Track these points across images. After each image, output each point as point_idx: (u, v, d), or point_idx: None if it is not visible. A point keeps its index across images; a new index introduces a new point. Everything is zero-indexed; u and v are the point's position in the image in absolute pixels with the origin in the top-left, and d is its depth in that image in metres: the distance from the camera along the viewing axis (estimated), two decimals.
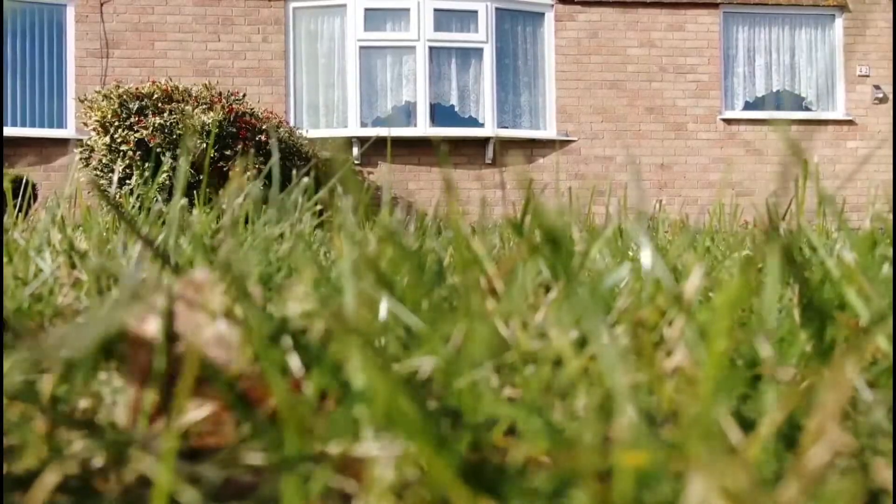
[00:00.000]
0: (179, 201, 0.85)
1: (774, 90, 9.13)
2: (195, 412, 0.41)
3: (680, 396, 0.38)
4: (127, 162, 6.20)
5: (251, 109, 6.77)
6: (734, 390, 0.41)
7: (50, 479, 0.38)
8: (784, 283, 0.71)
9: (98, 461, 0.39)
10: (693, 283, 0.49)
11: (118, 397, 0.44)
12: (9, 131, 8.02)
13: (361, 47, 8.50)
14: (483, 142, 8.56)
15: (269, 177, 1.48)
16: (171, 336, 0.46)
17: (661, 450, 0.34)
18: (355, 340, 0.38)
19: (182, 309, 0.48)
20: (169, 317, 0.47)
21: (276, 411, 0.37)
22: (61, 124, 8.26)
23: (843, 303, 0.59)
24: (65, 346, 0.36)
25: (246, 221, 1.07)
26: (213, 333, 0.46)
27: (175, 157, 6.02)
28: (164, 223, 1.17)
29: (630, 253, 1.08)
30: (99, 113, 6.34)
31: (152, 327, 0.47)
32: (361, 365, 0.37)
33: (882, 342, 0.51)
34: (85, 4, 8.27)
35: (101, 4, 8.27)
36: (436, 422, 0.38)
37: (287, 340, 0.44)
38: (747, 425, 0.42)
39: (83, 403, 0.47)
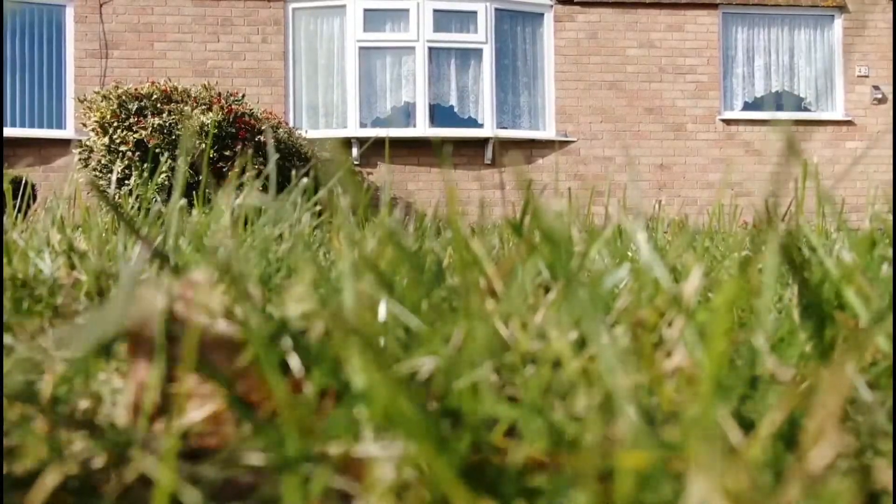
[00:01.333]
0: (178, 201, 0.85)
1: (774, 91, 9.13)
2: (195, 412, 0.41)
3: (680, 397, 0.38)
4: (126, 162, 6.20)
5: (250, 110, 6.77)
6: (734, 391, 0.41)
7: (50, 479, 0.38)
8: (783, 283, 0.71)
9: (98, 461, 0.39)
10: (692, 284, 0.49)
11: (118, 397, 0.44)
12: (8, 132, 8.01)
13: (361, 48, 8.50)
14: (482, 142, 8.57)
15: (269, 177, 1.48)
16: (170, 337, 0.46)
17: (661, 450, 0.34)
18: (355, 341, 0.38)
19: (181, 309, 0.48)
20: (168, 317, 0.47)
21: (277, 412, 0.37)
22: (60, 125, 8.26)
23: (842, 303, 0.59)
24: (65, 346, 0.36)
25: (245, 222, 1.07)
26: (212, 334, 0.46)
27: (174, 158, 6.02)
28: (162, 223, 1.17)
29: (629, 253, 1.08)
30: (98, 113, 6.34)
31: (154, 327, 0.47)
32: (361, 365, 0.37)
33: (882, 342, 0.51)
34: (84, 5, 8.27)
35: (101, 5, 8.27)
36: (436, 422, 0.38)
37: (287, 341, 0.44)
38: (747, 425, 0.42)
39: (83, 404, 0.47)
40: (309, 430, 0.36)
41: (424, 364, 0.48)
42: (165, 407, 0.43)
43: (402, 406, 0.34)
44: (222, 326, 0.45)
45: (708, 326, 0.40)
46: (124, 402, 0.43)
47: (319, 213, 1.37)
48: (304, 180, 1.17)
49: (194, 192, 1.38)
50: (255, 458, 0.37)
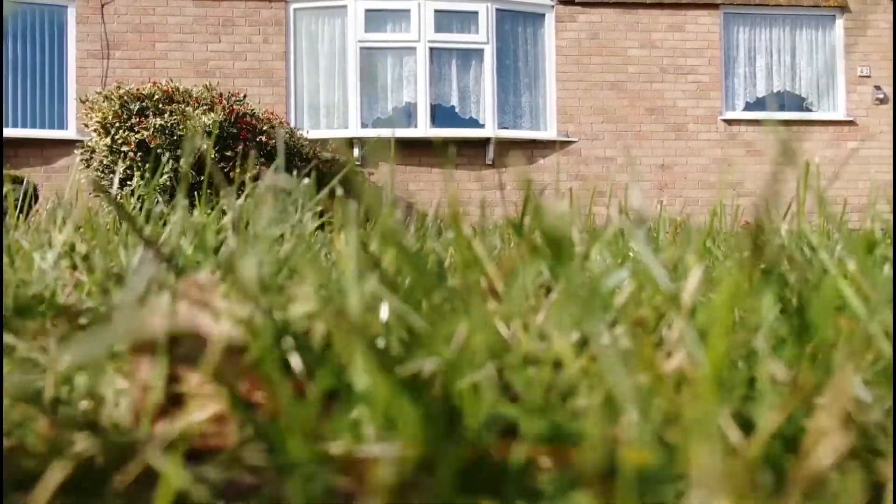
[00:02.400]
0: (182, 202, 0.85)
1: (775, 91, 9.13)
2: (198, 413, 0.41)
3: (681, 398, 0.38)
4: (128, 163, 6.20)
5: (252, 110, 6.77)
6: (734, 390, 0.41)
7: (52, 479, 0.39)
8: (783, 283, 0.71)
9: (100, 462, 0.39)
10: (692, 284, 0.49)
11: (121, 398, 0.45)
12: (10, 132, 8.02)
13: (362, 48, 8.51)
14: (483, 143, 8.57)
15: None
16: (172, 336, 0.47)
17: (662, 450, 0.34)
18: (357, 342, 0.38)
19: (185, 310, 0.48)
20: (172, 318, 0.47)
21: (279, 413, 0.37)
22: (62, 125, 8.27)
23: (842, 303, 0.59)
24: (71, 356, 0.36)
25: (246, 223, 1.07)
26: (215, 335, 0.46)
27: (176, 158, 6.03)
28: (164, 223, 1.18)
29: (630, 254, 1.08)
30: (100, 114, 6.34)
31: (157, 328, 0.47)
32: (363, 366, 0.37)
33: (881, 341, 0.51)
34: (86, 5, 8.28)
35: (102, 6, 8.28)
36: (437, 423, 0.38)
37: (290, 342, 0.44)
38: (748, 425, 0.42)
39: (85, 404, 0.47)
40: (311, 431, 0.36)
41: (426, 364, 0.48)
42: (168, 407, 0.43)
43: (403, 407, 0.34)
44: (225, 327, 0.45)
45: (708, 327, 0.40)
46: (127, 402, 0.44)
47: (321, 214, 1.37)
48: (306, 181, 1.17)
49: (195, 193, 1.38)
50: (258, 459, 0.37)
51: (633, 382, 0.41)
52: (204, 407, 0.41)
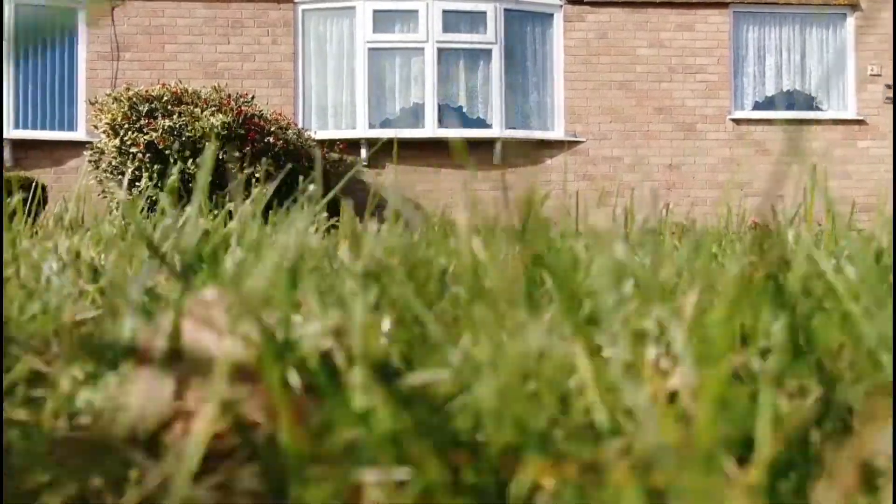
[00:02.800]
0: (195, 216, 0.86)
1: (784, 90, 9.08)
2: (200, 432, 0.42)
3: (679, 422, 0.38)
4: (136, 164, 6.23)
5: (260, 111, 6.80)
6: (733, 411, 0.41)
7: (52, 500, 0.39)
8: (787, 295, 0.71)
9: (99, 482, 0.39)
10: (691, 301, 0.49)
11: (123, 415, 0.45)
12: (20, 134, 8.08)
13: (370, 49, 8.52)
14: (491, 143, 8.56)
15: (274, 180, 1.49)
16: (176, 353, 0.47)
17: (661, 473, 0.34)
18: (360, 361, 0.38)
19: (189, 326, 0.48)
20: (176, 333, 0.48)
21: (279, 433, 0.38)
22: (72, 127, 8.31)
23: (845, 317, 0.58)
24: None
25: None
26: (219, 350, 0.46)
27: (184, 160, 6.05)
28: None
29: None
30: (109, 115, 6.38)
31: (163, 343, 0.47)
32: (364, 387, 0.37)
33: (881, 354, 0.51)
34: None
35: (112, 8, 8.32)
36: (438, 441, 0.39)
37: (292, 359, 0.45)
38: (747, 444, 0.42)
39: (86, 420, 0.48)
40: (311, 452, 0.36)
41: (427, 378, 0.48)
42: (170, 425, 0.43)
43: (404, 429, 0.34)
44: (228, 344, 0.45)
45: (707, 345, 0.40)
46: (129, 419, 0.44)
47: (328, 217, 1.37)
48: (312, 186, 1.17)
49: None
50: (255, 482, 0.37)
51: (633, 399, 0.40)
52: (206, 427, 0.41)
